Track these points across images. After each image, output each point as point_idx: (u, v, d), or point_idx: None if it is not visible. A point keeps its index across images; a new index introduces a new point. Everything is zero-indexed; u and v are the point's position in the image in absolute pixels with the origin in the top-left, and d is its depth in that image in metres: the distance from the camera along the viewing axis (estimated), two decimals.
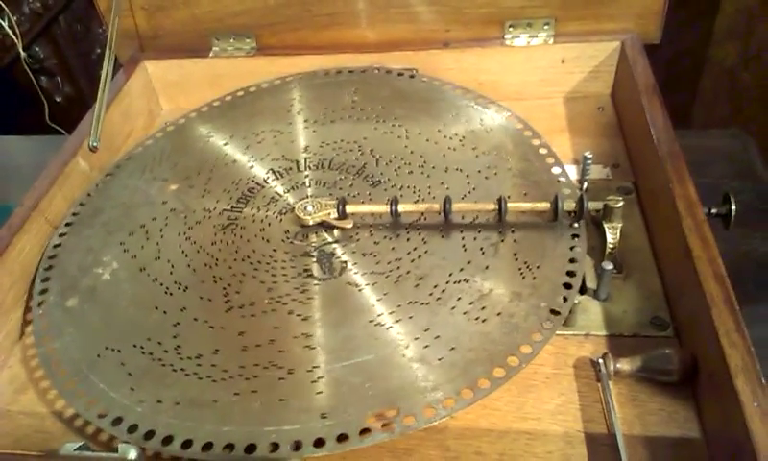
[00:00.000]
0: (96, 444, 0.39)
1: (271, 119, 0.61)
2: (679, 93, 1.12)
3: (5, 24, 1.03)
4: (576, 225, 0.46)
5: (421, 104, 0.59)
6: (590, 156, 0.49)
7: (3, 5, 1.01)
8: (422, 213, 0.48)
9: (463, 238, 0.46)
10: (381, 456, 0.37)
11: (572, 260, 0.43)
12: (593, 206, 0.47)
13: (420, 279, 0.44)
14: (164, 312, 0.46)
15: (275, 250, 0.49)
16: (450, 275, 0.44)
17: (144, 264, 0.49)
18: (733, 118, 1.08)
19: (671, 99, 0.53)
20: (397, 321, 0.42)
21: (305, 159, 0.56)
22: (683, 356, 0.38)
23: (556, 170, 0.51)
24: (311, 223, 0.49)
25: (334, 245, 0.48)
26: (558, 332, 0.41)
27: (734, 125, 0.98)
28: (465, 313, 0.41)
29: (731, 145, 0.71)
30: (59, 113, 1.18)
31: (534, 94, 0.63)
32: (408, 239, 0.47)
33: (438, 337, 0.40)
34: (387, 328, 0.42)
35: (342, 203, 0.48)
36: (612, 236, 0.45)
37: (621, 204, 0.45)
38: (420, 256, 0.46)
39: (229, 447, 0.37)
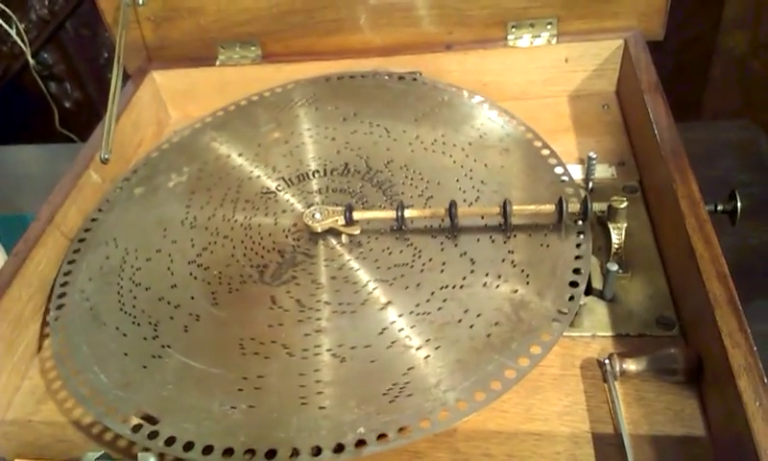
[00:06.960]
0: (116, 452, 0.40)
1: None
2: (689, 83, 1.11)
3: (13, 32, 1.04)
4: (581, 227, 0.46)
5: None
6: (595, 156, 0.50)
7: (11, 13, 1.02)
8: (429, 218, 0.49)
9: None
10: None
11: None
12: (597, 207, 0.47)
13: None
14: (164, 236, 0.48)
15: (269, 234, 0.50)
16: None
17: (196, 189, 0.52)
18: (744, 107, 1.07)
19: (681, 88, 0.53)
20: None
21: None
22: (688, 355, 0.38)
23: (560, 172, 0.51)
24: (319, 230, 0.49)
25: (307, 259, 0.48)
26: (564, 334, 0.41)
27: (745, 114, 0.97)
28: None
29: (740, 137, 0.71)
30: (68, 119, 1.19)
31: (538, 94, 0.63)
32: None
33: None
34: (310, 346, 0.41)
35: (349, 209, 0.48)
36: (616, 237, 0.45)
37: (625, 204, 0.45)
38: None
39: None
